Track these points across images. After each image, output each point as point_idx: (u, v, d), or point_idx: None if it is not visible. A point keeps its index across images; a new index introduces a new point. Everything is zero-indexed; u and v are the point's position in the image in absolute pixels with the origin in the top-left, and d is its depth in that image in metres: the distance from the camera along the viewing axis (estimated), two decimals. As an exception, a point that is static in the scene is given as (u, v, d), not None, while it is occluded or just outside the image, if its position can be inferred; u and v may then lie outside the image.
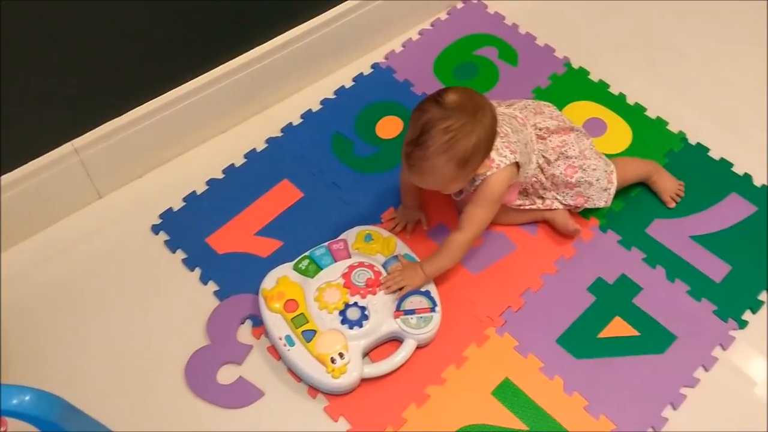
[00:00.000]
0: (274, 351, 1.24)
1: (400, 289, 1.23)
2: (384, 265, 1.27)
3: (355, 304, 1.21)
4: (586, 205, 1.32)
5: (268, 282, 1.25)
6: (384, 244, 1.31)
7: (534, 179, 1.30)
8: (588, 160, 1.30)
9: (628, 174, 1.36)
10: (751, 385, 1.21)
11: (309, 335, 1.19)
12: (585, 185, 1.30)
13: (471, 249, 1.31)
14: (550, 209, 1.34)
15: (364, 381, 1.20)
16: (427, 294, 1.25)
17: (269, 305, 1.22)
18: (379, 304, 1.22)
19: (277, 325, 1.21)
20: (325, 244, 1.29)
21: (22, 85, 1.21)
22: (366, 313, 1.21)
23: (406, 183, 1.34)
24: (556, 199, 1.33)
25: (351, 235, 1.31)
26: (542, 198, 1.33)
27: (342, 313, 1.21)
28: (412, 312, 1.22)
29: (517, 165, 1.21)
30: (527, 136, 1.28)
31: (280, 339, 1.19)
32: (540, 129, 1.31)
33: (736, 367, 1.23)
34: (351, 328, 1.19)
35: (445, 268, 1.26)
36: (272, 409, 1.19)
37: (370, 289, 1.23)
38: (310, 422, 1.18)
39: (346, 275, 1.24)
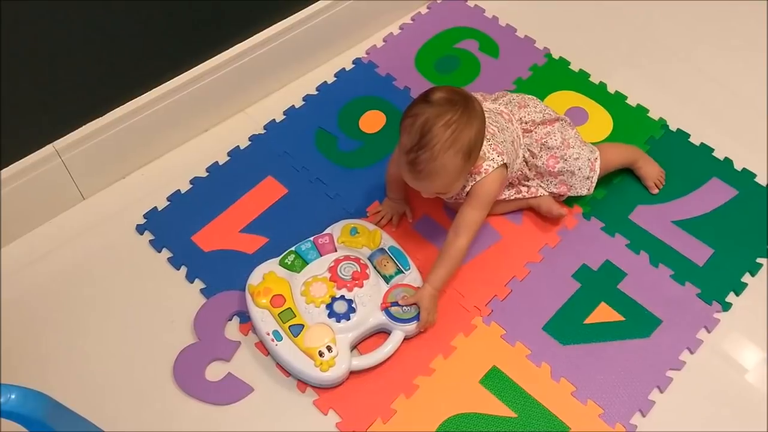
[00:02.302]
0: (263, 347, 1.24)
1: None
2: (370, 258, 1.27)
3: (342, 297, 1.22)
4: (569, 193, 1.33)
5: (255, 278, 1.25)
6: (369, 237, 1.31)
7: (519, 173, 1.31)
8: (570, 149, 1.31)
9: (613, 159, 1.37)
10: (736, 366, 1.23)
11: (296, 329, 1.19)
12: (567, 174, 1.31)
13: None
14: (535, 196, 1.34)
15: (353, 374, 1.20)
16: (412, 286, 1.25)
17: (256, 301, 1.22)
18: (366, 297, 1.22)
19: (265, 320, 1.21)
20: (311, 238, 1.30)
21: (2, 87, 1.20)
22: (353, 306, 1.21)
23: (392, 176, 1.34)
24: (541, 186, 1.34)
25: (336, 228, 1.32)
26: (527, 186, 1.34)
27: (329, 306, 1.21)
28: (398, 304, 1.23)
29: (506, 166, 1.22)
30: (513, 133, 1.29)
31: (268, 334, 1.20)
32: (526, 122, 1.32)
33: (721, 349, 1.24)
34: (338, 321, 1.20)
35: (450, 275, 1.24)
36: (262, 405, 1.19)
37: (356, 281, 1.23)
38: (299, 416, 1.18)
39: (332, 269, 1.24)
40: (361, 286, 1.23)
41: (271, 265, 1.27)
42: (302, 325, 1.20)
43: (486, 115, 1.23)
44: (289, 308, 1.21)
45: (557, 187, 1.33)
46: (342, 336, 1.19)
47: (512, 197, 1.34)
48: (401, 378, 1.21)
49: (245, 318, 1.27)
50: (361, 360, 1.20)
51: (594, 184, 1.33)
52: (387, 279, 1.26)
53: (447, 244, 1.23)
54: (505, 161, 1.21)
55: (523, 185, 1.34)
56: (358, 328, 1.20)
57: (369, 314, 1.21)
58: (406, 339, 1.23)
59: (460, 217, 1.22)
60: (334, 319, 1.20)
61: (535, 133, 1.31)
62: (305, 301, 1.21)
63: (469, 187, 1.21)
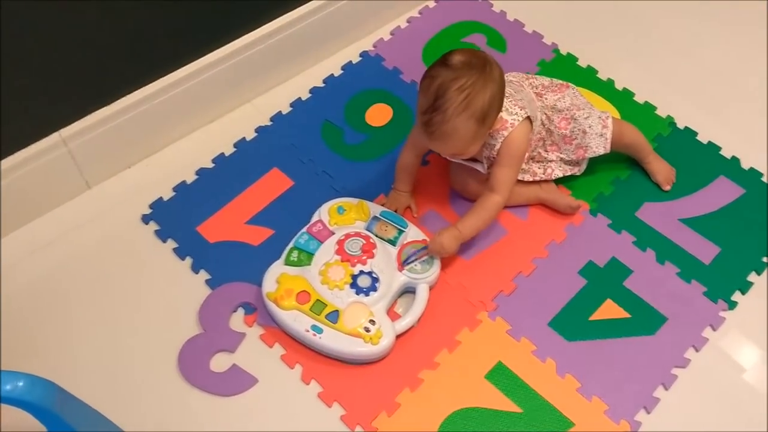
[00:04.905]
0: (267, 338, 1.24)
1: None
2: (368, 229, 1.29)
3: (361, 272, 1.24)
4: (586, 155, 1.33)
5: (269, 285, 1.24)
6: (358, 210, 1.32)
7: (539, 135, 1.32)
8: (579, 110, 1.32)
9: (626, 132, 1.36)
10: (741, 365, 1.23)
11: (333, 317, 1.20)
12: (580, 135, 1.31)
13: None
14: (548, 181, 1.35)
15: (358, 366, 1.20)
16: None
17: (281, 305, 1.22)
18: (382, 264, 1.25)
19: (298, 319, 1.21)
20: (304, 230, 1.30)
21: (8, 75, 1.19)
22: (374, 276, 1.23)
23: (403, 168, 1.35)
24: (561, 158, 1.34)
25: (323, 213, 1.32)
26: (544, 163, 1.34)
27: (353, 285, 1.22)
28: (413, 259, 1.25)
29: (530, 120, 1.24)
30: (528, 95, 1.31)
31: (308, 331, 1.19)
32: (535, 87, 1.35)
33: (726, 348, 1.24)
34: (367, 294, 1.22)
35: (480, 229, 1.28)
36: (266, 396, 1.19)
37: (367, 253, 1.25)
38: (304, 408, 1.18)
39: (339, 250, 1.26)
40: (373, 257, 1.25)
41: (279, 268, 1.26)
42: (337, 311, 1.20)
43: None
44: (318, 300, 1.21)
45: (575, 152, 1.33)
46: (377, 307, 1.21)
47: (526, 179, 1.34)
48: (406, 371, 1.20)
49: (250, 309, 1.27)
50: (402, 323, 1.22)
51: (609, 142, 1.32)
52: (393, 242, 1.28)
53: (482, 198, 1.26)
54: (528, 114, 1.23)
55: (541, 161, 1.34)
56: (387, 294, 1.23)
57: (391, 279, 1.24)
58: (411, 329, 1.23)
59: (493, 177, 1.25)
60: (363, 294, 1.22)
61: (546, 98, 1.33)
62: (329, 288, 1.22)
63: (499, 144, 1.23)
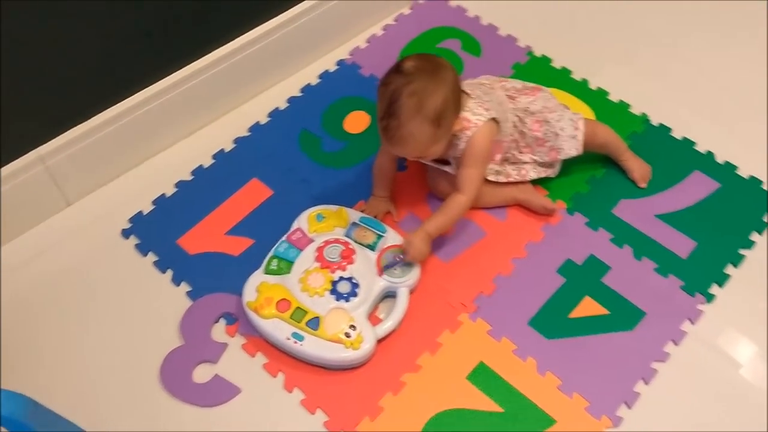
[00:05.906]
0: (250, 347, 1.24)
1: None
2: (347, 235, 1.30)
3: (341, 278, 1.24)
4: (559, 157, 1.34)
5: (249, 294, 1.24)
6: (337, 217, 1.33)
7: (511, 137, 1.33)
8: (552, 113, 1.33)
9: (599, 132, 1.38)
10: (720, 357, 1.23)
11: (314, 324, 1.20)
12: (552, 137, 1.33)
13: (441, 237, 1.32)
14: (525, 182, 1.36)
15: (340, 372, 1.21)
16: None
17: (261, 314, 1.22)
18: (362, 269, 1.25)
19: (279, 327, 1.21)
20: (283, 238, 1.31)
21: (-16, 93, 1.20)
22: (354, 281, 1.24)
23: (379, 173, 1.36)
24: (534, 160, 1.35)
25: (302, 221, 1.33)
26: (518, 165, 1.36)
27: (333, 291, 1.23)
28: (393, 264, 1.26)
29: (496, 121, 1.26)
30: (499, 97, 1.32)
31: (288, 339, 1.20)
32: (507, 89, 1.36)
33: (705, 340, 1.24)
34: (348, 300, 1.22)
35: (445, 228, 1.29)
36: (250, 406, 1.19)
37: (347, 259, 1.26)
38: (287, 416, 1.18)
39: (319, 257, 1.26)
40: (353, 262, 1.26)
41: (259, 277, 1.27)
42: (317, 318, 1.21)
43: (468, 86, 1.27)
44: (298, 308, 1.22)
45: (548, 155, 1.34)
46: (357, 313, 1.22)
47: (501, 180, 1.35)
48: (388, 375, 1.21)
49: (231, 320, 1.27)
50: (382, 327, 1.22)
51: (581, 143, 1.33)
52: (371, 247, 1.29)
53: (448, 199, 1.28)
54: (494, 116, 1.25)
55: (515, 162, 1.35)
56: (367, 300, 1.23)
57: (371, 284, 1.25)
58: (393, 332, 1.24)
59: (458, 177, 1.27)
60: (343, 300, 1.22)
61: (519, 100, 1.34)
62: (309, 295, 1.23)
63: (463, 145, 1.24)
